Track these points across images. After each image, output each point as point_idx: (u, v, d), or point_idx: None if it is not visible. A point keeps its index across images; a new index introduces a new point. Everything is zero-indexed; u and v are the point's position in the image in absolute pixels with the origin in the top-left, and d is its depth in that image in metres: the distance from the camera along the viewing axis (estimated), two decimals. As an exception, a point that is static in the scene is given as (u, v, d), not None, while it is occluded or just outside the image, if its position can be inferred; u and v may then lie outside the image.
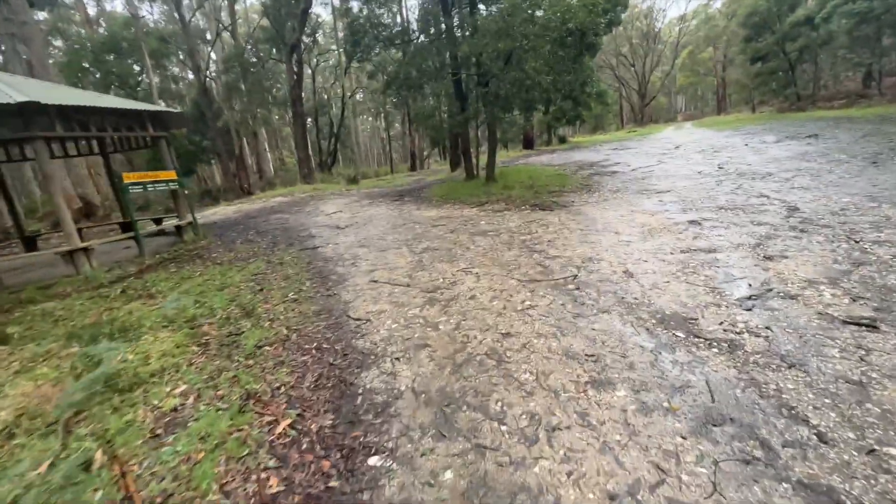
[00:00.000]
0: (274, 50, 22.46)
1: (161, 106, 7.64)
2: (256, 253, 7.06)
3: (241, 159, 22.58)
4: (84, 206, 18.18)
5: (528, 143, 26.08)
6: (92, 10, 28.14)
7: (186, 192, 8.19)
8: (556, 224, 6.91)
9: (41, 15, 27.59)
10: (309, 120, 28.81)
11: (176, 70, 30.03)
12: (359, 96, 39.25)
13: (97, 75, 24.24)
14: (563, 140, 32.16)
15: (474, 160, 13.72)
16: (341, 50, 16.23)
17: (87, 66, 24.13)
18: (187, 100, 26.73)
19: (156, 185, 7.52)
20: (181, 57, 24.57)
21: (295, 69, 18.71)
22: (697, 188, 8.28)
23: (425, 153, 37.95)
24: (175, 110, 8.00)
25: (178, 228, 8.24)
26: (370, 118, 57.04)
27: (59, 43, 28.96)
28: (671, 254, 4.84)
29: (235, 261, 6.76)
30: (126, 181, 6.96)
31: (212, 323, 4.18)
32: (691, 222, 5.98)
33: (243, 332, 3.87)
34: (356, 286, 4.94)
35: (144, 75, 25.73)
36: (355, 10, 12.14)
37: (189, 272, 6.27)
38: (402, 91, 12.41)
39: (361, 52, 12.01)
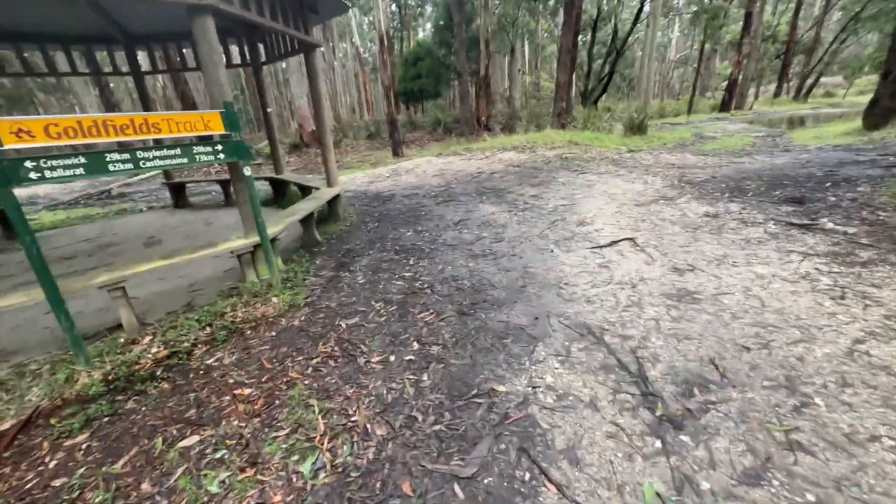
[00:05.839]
0: None
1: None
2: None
3: (485, 82, 17.43)
4: (313, 132, 17.23)
5: None
6: None
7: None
8: None
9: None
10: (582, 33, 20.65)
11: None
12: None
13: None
14: None
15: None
16: None
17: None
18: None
19: (151, 157, 2.56)
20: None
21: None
22: None
23: (751, 80, 24.23)
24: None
25: (240, 259, 3.45)
26: (659, 32, 42.40)
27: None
28: None
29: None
30: (17, 156, 2.12)
31: None
32: None
33: None
34: None
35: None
36: None
37: None
38: None
39: None
